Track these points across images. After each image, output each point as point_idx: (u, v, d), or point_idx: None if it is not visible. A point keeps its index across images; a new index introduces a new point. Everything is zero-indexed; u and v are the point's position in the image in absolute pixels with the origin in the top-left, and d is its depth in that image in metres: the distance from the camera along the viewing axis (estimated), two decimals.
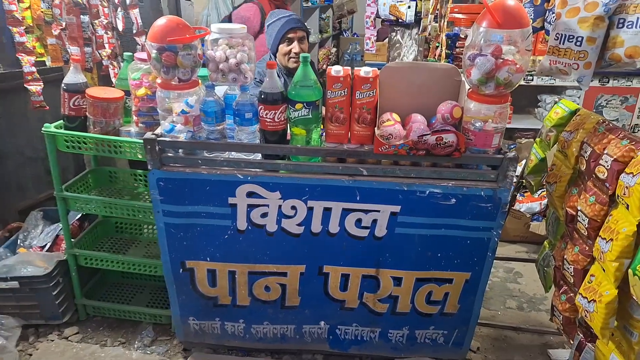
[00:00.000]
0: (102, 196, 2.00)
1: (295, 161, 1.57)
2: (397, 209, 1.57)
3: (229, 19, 2.78)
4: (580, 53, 1.32)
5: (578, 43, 1.32)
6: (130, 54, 1.78)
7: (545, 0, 1.52)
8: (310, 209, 1.60)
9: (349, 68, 1.47)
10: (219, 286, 1.82)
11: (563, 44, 1.35)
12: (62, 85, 1.73)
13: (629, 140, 1.23)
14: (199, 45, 1.47)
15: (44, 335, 2.00)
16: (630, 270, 1.09)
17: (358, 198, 1.56)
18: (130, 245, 2.20)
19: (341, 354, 1.96)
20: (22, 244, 2.13)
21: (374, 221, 1.60)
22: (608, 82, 3.24)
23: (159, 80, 1.49)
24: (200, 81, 1.55)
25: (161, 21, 1.41)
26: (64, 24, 1.75)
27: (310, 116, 1.46)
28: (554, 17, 1.42)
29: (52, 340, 1.98)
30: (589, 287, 1.28)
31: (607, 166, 1.25)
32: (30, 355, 1.91)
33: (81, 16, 1.80)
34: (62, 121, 1.82)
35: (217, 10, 2.93)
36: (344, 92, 1.45)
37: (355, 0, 5.89)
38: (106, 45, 1.93)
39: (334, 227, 1.63)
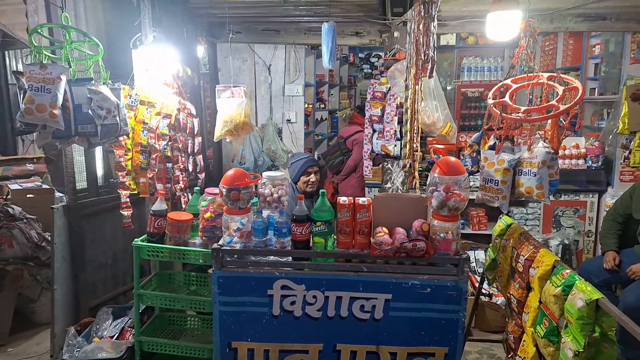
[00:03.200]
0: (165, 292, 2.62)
1: (316, 262, 2.23)
2: (389, 296, 2.18)
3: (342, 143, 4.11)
4: (498, 190, 2.08)
5: (496, 184, 2.08)
6: (199, 187, 2.55)
7: (477, 153, 2.33)
8: (326, 298, 2.20)
9: (352, 198, 2.22)
10: None
11: (487, 184, 2.12)
12: (150, 211, 2.47)
13: (533, 246, 1.92)
14: (252, 187, 2.23)
15: None
16: (531, 329, 1.69)
17: (361, 289, 2.18)
18: (180, 335, 2.75)
19: None
20: (94, 334, 2.69)
21: (373, 306, 2.19)
22: (561, 196, 4.02)
23: (225, 208, 2.23)
24: (251, 207, 2.29)
25: (230, 172, 2.20)
26: (156, 170, 2.56)
27: (327, 230, 2.18)
28: (482, 166, 2.21)
29: None
30: (522, 349, 1.86)
31: (522, 263, 1.92)
32: None
33: (167, 164, 2.63)
34: (145, 236, 2.53)
35: (250, 147, 3.84)
36: (349, 214, 2.17)
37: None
38: (181, 182, 2.73)
39: (344, 312, 2.22)
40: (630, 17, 3.27)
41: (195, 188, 2.56)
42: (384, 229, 2.22)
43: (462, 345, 2.23)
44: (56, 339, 2.79)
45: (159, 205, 2.49)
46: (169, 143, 2.61)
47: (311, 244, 2.25)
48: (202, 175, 2.93)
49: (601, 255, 3.22)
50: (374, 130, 3.37)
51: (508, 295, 2.05)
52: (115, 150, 2.47)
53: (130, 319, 2.76)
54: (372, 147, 3.58)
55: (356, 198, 2.23)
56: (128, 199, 2.59)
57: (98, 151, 3.18)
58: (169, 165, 2.66)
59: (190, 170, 2.84)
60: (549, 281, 1.67)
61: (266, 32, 3.79)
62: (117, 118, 2.08)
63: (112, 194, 3.11)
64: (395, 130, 3.19)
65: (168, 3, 3.02)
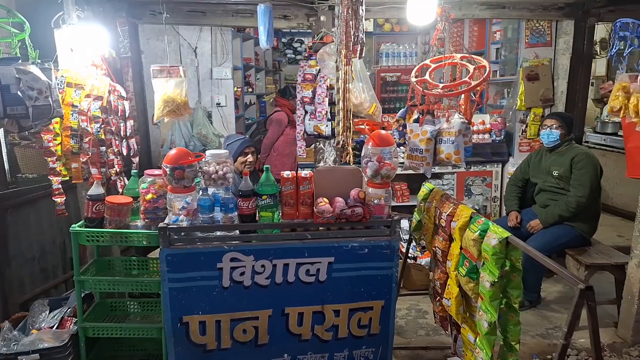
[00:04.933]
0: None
1: (263, 233, 2.36)
2: (332, 259, 2.37)
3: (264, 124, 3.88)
4: (423, 157, 2.35)
5: (421, 152, 2.35)
6: (136, 171, 2.53)
7: (404, 127, 2.60)
8: (274, 266, 2.34)
9: (295, 172, 2.37)
10: (208, 334, 2.40)
11: (413, 153, 2.39)
12: (87, 195, 2.41)
13: (453, 204, 2.22)
14: (196, 165, 2.28)
15: None
16: (455, 272, 1.99)
17: (306, 254, 2.35)
18: (125, 319, 2.74)
19: None
20: (31, 327, 2.57)
21: (318, 270, 2.37)
22: (470, 167, 4.51)
23: (169, 187, 2.26)
24: (196, 186, 2.35)
25: (173, 151, 2.23)
26: (90, 154, 2.48)
27: (272, 203, 2.31)
28: (408, 137, 2.48)
29: None
30: (447, 291, 2.16)
31: (445, 218, 2.21)
32: None
33: (101, 147, 2.56)
34: (82, 222, 2.46)
35: (180, 132, 3.80)
36: (292, 187, 2.32)
37: None
38: (116, 166, 2.66)
39: (291, 277, 2.38)
40: (524, 6, 3.76)
41: (133, 171, 2.53)
42: (325, 199, 2.40)
43: (395, 298, 2.51)
44: None
45: (96, 189, 2.43)
46: (102, 126, 2.54)
47: (257, 218, 2.37)
48: (136, 159, 2.88)
49: (506, 216, 3.73)
50: (306, 112, 3.52)
51: (433, 248, 2.35)
52: (43, 136, 2.35)
53: (69, 308, 2.68)
54: (304, 128, 3.74)
55: (299, 172, 2.39)
56: (60, 185, 2.49)
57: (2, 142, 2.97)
58: (103, 149, 2.59)
59: (125, 153, 2.78)
60: (467, 229, 1.97)
61: (192, 13, 3.74)
62: (50, 99, 1.99)
63: (34, 184, 2.94)
64: (327, 111, 3.38)
65: None
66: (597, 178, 3.35)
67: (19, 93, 1.86)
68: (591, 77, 6.09)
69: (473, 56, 2.39)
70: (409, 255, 3.82)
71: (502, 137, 4.44)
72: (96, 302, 2.74)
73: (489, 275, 1.78)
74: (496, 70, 5.31)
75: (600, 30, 5.95)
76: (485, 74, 2.28)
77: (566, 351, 1.52)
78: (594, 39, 4.78)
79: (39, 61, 2.06)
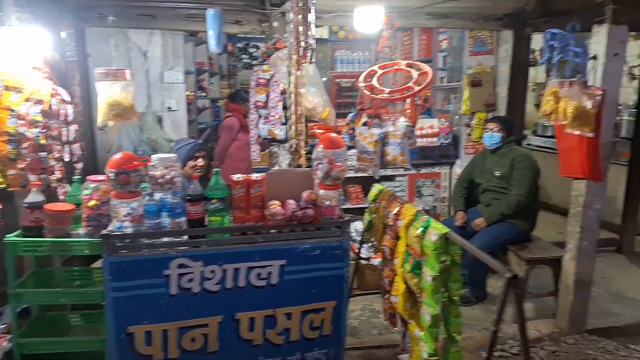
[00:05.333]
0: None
1: (212, 238, 2.33)
2: (284, 262, 2.36)
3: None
4: (371, 159, 2.42)
5: (369, 154, 2.42)
6: (79, 177, 2.44)
7: (353, 130, 2.66)
8: (224, 271, 2.31)
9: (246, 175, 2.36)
10: (154, 344, 2.31)
11: (362, 155, 2.45)
12: (24, 203, 2.29)
13: (400, 203, 2.29)
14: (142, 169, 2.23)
15: None
16: (401, 269, 2.06)
17: (257, 258, 2.33)
18: (65, 333, 2.61)
19: None
20: None
21: (269, 273, 2.37)
22: (420, 170, 4.66)
23: (113, 193, 2.19)
24: (141, 191, 2.29)
25: (117, 155, 2.17)
26: (28, 159, 2.36)
27: (222, 207, 2.29)
28: (357, 140, 2.54)
29: None
30: (395, 287, 2.23)
31: (392, 217, 2.28)
32: None
33: (41, 153, 2.43)
34: (19, 231, 2.33)
35: (128, 136, 3.69)
36: (243, 190, 2.31)
37: None
38: (57, 172, 2.55)
39: (242, 282, 2.35)
40: (467, 16, 3.95)
41: (75, 177, 2.43)
42: (277, 201, 2.40)
43: (347, 298, 2.55)
44: None
45: (35, 196, 2.32)
46: (43, 131, 2.43)
47: (207, 222, 2.34)
48: (79, 165, 2.76)
49: (454, 215, 3.88)
50: (260, 116, 3.52)
51: (382, 247, 2.42)
52: None
53: (4, 324, 2.53)
54: (259, 132, 3.74)
55: (250, 176, 2.38)
56: None
57: None
58: (43, 154, 2.47)
59: (67, 159, 2.66)
60: (411, 226, 2.05)
61: (141, 17, 3.66)
62: None
63: None
64: (280, 115, 3.40)
65: None
66: (535, 178, 3.57)
67: None
68: (532, 84, 6.49)
69: (417, 63, 2.50)
70: (363, 255, 3.89)
71: (450, 140, 4.63)
72: (34, 316, 2.60)
73: (431, 269, 1.86)
74: (444, 77, 5.54)
75: (540, 40, 6.34)
76: (428, 80, 2.38)
77: (497, 337, 1.62)
78: (534, 47, 5.10)
79: None
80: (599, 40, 3.04)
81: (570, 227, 3.26)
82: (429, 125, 4.57)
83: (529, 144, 6.46)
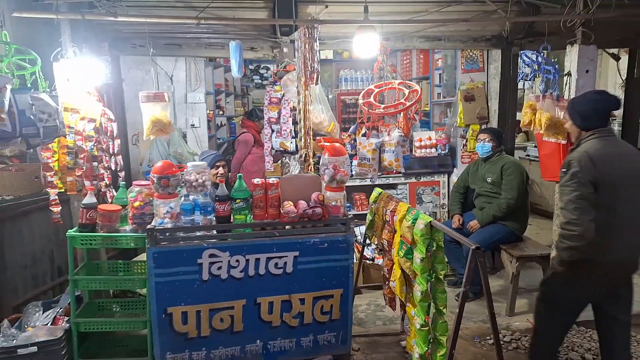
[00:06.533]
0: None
1: (237, 232, 2.76)
2: (297, 253, 2.77)
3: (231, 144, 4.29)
4: (370, 165, 2.84)
5: (368, 161, 2.85)
6: (124, 183, 2.91)
7: (354, 140, 3.10)
8: (247, 260, 2.72)
9: (264, 180, 2.80)
10: (189, 323, 2.72)
11: (362, 161, 2.88)
12: (82, 204, 2.76)
13: (395, 202, 2.71)
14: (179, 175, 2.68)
15: None
16: (397, 257, 2.47)
17: (275, 250, 2.74)
18: (112, 316, 3.05)
19: None
20: (27, 326, 2.85)
21: (285, 263, 2.77)
22: (420, 178, 5.06)
23: (156, 194, 2.64)
24: (178, 193, 2.74)
25: (159, 163, 2.63)
26: (84, 168, 2.84)
27: (245, 206, 2.73)
28: (358, 149, 2.97)
29: None
30: (393, 274, 2.62)
31: (389, 214, 2.69)
32: None
33: (93, 163, 2.93)
34: (77, 228, 2.79)
35: (157, 150, 4.18)
36: (262, 192, 2.75)
37: None
38: (106, 179, 3.03)
39: (262, 270, 2.76)
40: (457, 38, 4.40)
41: (121, 183, 2.90)
42: (290, 202, 2.84)
43: (352, 287, 2.94)
44: None
45: (90, 198, 2.78)
46: (95, 144, 2.92)
47: (232, 219, 2.77)
48: (122, 174, 3.25)
49: (450, 219, 4.27)
50: (273, 130, 3.98)
51: (382, 241, 2.82)
52: (42, 153, 2.70)
53: (60, 308, 2.97)
54: (272, 145, 4.20)
55: (267, 179, 2.82)
56: (57, 197, 2.83)
57: None
58: (95, 164, 2.96)
59: (113, 168, 3.15)
60: (404, 220, 2.45)
61: (169, 46, 4.18)
62: (57, 121, 2.37)
63: (28, 199, 3.24)
64: (291, 129, 3.85)
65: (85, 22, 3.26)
66: (524, 183, 3.94)
67: (31, 117, 2.23)
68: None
69: (407, 82, 2.94)
70: (369, 257, 4.29)
71: (447, 150, 5.03)
72: (85, 303, 3.04)
73: (419, 253, 2.26)
74: (440, 93, 5.98)
75: None
76: (417, 97, 2.82)
77: (466, 296, 2.02)
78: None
79: (48, 90, 2.43)
80: (572, 58, 3.44)
81: (555, 226, 3.61)
82: (427, 137, 4.99)
83: (527, 155, 6.82)
